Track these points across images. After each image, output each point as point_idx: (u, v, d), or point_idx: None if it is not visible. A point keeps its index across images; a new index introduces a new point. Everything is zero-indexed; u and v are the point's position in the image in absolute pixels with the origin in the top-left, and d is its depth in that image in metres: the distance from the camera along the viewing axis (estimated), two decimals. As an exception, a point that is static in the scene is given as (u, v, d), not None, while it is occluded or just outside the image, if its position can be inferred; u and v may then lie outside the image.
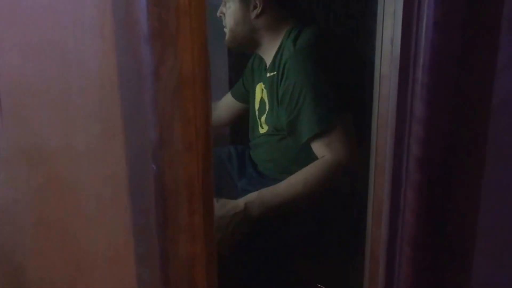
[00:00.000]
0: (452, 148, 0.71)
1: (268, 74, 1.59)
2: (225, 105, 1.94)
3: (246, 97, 1.83)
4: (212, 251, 0.76)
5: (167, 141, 0.67)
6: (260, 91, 1.67)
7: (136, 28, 0.64)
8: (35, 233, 0.75)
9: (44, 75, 0.66)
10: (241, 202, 1.38)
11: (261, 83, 1.66)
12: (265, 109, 1.61)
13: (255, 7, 1.51)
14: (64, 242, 0.76)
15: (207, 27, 0.72)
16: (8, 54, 0.66)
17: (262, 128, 1.65)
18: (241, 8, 1.52)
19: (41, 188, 0.71)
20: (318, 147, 1.43)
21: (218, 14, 1.58)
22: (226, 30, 1.57)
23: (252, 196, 1.39)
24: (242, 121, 1.87)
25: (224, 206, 1.37)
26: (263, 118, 1.64)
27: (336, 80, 1.45)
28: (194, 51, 0.67)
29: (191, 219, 0.72)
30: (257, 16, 1.52)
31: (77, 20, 0.65)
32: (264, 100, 1.63)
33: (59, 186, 0.71)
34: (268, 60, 1.61)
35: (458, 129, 0.70)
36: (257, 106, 1.68)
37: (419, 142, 0.72)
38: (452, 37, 0.67)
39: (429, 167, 0.72)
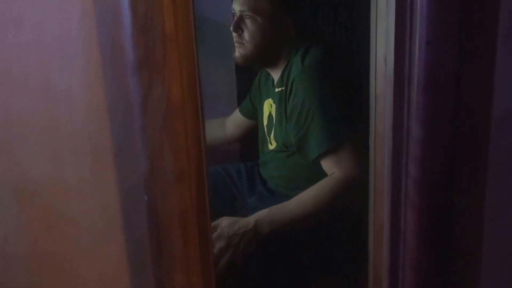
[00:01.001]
0: (451, 169, 0.69)
1: (276, 90, 1.58)
2: (233, 122, 1.94)
3: (254, 113, 1.83)
4: (210, 282, 0.74)
5: (158, 171, 0.66)
6: (268, 107, 1.66)
7: (123, 57, 0.63)
8: (28, 267, 0.74)
9: (31, 108, 0.65)
10: (251, 220, 1.37)
11: (270, 98, 1.65)
12: (273, 125, 1.61)
13: (286, 24, 1.50)
14: (57, 275, 0.74)
15: (196, 54, 0.71)
16: (-6, 87, 0.65)
17: (271, 144, 1.65)
18: (271, 23, 1.48)
19: (32, 222, 0.70)
20: (327, 164, 1.42)
21: (232, 29, 1.52)
22: (243, 45, 1.52)
23: (262, 213, 1.38)
24: (252, 138, 1.86)
25: (234, 224, 1.36)
26: (271, 135, 1.63)
27: (345, 97, 1.44)
28: (183, 79, 0.65)
29: (186, 250, 0.70)
30: (286, 33, 1.51)
31: (63, 52, 0.64)
32: (272, 116, 1.62)
33: (50, 219, 0.70)
34: (276, 76, 1.60)
35: (457, 149, 0.68)
36: (265, 122, 1.68)
37: (417, 163, 0.70)
38: (447, 56, 0.65)
39: (428, 189, 0.70)
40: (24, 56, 0.64)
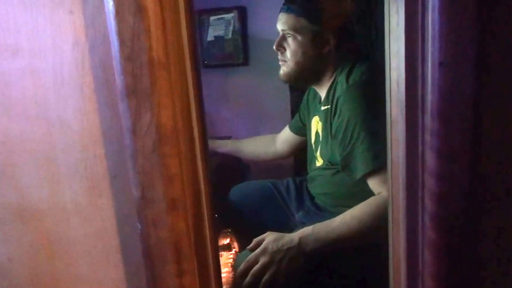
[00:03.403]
0: (471, 204, 0.60)
1: (322, 108, 1.57)
2: (283, 138, 1.95)
3: (303, 130, 1.82)
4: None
5: (150, 200, 0.64)
6: (315, 124, 1.65)
7: (114, 84, 0.62)
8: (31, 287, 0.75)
9: (30, 134, 0.66)
10: (295, 236, 1.35)
11: (316, 116, 1.64)
12: (320, 143, 1.60)
13: (327, 42, 1.49)
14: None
15: (195, 78, 0.68)
16: (-5, 115, 0.67)
17: (318, 161, 1.63)
18: (314, 42, 1.48)
19: (33, 245, 0.71)
20: (374, 184, 1.37)
21: (275, 47, 1.55)
22: (286, 64, 1.54)
23: (306, 230, 1.36)
24: (305, 153, 1.85)
25: (279, 240, 1.35)
26: (318, 152, 1.62)
27: None
28: (175, 106, 0.63)
29: (181, 280, 0.67)
30: (328, 51, 1.49)
31: (57, 79, 0.64)
32: (319, 133, 1.61)
33: (50, 243, 0.70)
34: (322, 93, 1.59)
35: (478, 184, 0.60)
36: (313, 139, 1.67)
37: (434, 197, 0.62)
38: (462, 77, 0.58)
39: (446, 226, 0.62)
40: (21, 83, 0.65)
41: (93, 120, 0.65)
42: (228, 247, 1.68)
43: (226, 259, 1.74)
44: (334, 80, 1.53)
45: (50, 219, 0.69)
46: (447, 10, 0.57)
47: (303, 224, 1.45)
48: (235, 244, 1.83)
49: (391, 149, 0.71)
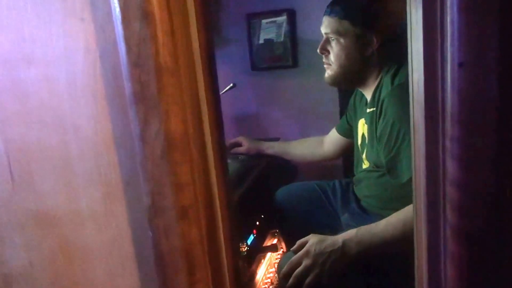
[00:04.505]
0: (495, 216, 0.55)
1: (368, 110, 1.56)
2: (330, 141, 1.96)
3: (350, 132, 1.82)
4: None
5: (160, 208, 0.63)
6: (362, 127, 1.64)
7: (124, 91, 0.62)
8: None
9: (46, 141, 0.67)
10: (338, 239, 1.35)
11: (362, 118, 1.63)
12: (366, 145, 1.59)
13: (369, 44, 1.48)
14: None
15: (211, 82, 0.67)
16: (13, 122, 0.68)
17: (364, 163, 1.62)
18: (355, 44, 1.49)
19: (52, 250, 0.72)
20: None
21: (319, 50, 1.56)
22: (330, 67, 1.56)
23: (350, 233, 1.35)
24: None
25: (322, 242, 1.35)
26: (363, 155, 1.61)
27: None
28: (185, 112, 0.62)
29: (193, 289, 0.66)
30: (371, 53, 1.49)
31: (70, 86, 0.65)
32: (365, 136, 1.60)
33: (68, 249, 0.71)
34: (368, 95, 1.58)
35: (502, 194, 0.55)
36: (359, 141, 1.66)
37: (455, 208, 0.58)
38: (484, 79, 0.53)
39: (469, 239, 0.57)
40: (37, 91, 0.66)
41: (106, 126, 0.65)
42: (274, 248, 1.68)
43: (274, 259, 1.74)
44: (380, 81, 1.51)
45: (67, 225, 0.70)
46: (467, 6, 0.53)
47: (348, 226, 1.45)
48: (283, 245, 1.83)
49: (414, 158, 0.67)
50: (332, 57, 1.53)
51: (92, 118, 0.65)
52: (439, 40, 0.56)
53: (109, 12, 0.61)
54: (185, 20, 0.62)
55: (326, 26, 1.52)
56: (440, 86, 0.57)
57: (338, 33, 1.49)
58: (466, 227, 0.58)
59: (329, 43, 1.53)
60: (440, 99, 0.58)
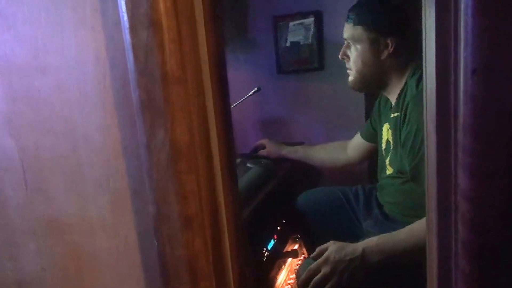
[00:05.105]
0: (508, 232, 0.53)
1: (392, 115, 1.53)
2: (354, 145, 1.92)
3: (374, 136, 1.78)
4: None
5: (165, 217, 0.63)
6: (386, 132, 1.61)
7: (132, 100, 0.62)
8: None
9: (58, 150, 0.69)
10: (359, 246, 1.32)
11: (387, 123, 1.60)
12: (390, 151, 1.55)
13: (386, 47, 1.47)
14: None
15: (221, 91, 0.66)
16: (27, 130, 0.70)
17: (388, 169, 1.59)
18: (371, 49, 1.48)
19: (63, 257, 0.73)
20: None
21: (340, 56, 1.57)
22: (351, 72, 1.56)
23: (371, 241, 1.32)
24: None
25: (342, 250, 1.32)
26: (387, 160, 1.58)
27: None
28: (192, 121, 0.62)
29: (198, 301, 0.66)
30: (387, 56, 1.48)
31: (81, 95, 0.66)
32: (389, 141, 1.57)
33: (78, 256, 0.72)
34: (393, 100, 1.55)
35: (517, 209, 0.52)
36: (383, 146, 1.63)
37: (467, 222, 0.55)
38: (498, 87, 0.51)
39: (480, 255, 0.55)
40: (49, 100, 0.67)
41: (115, 135, 0.65)
42: (295, 253, 1.66)
43: (294, 265, 1.72)
44: (405, 85, 1.48)
45: (77, 233, 0.71)
46: (481, 10, 0.50)
47: (370, 233, 1.43)
48: (304, 250, 1.80)
49: (427, 169, 0.64)
50: (351, 62, 1.53)
51: (101, 126, 0.66)
52: (452, 44, 0.54)
53: (118, 21, 0.61)
54: (193, 29, 0.62)
55: (344, 32, 1.53)
56: (452, 94, 0.55)
57: (354, 38, 1.49)
58: (477, 243, 0.55)
59: (349, 48, 1.53)
60: (452, 107, 0.55)
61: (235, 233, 0.69)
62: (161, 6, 0.57)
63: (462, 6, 0.52)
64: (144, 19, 0.58)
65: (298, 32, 2.19)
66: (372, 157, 1.85)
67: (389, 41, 1.45)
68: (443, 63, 0.55)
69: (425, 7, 0.62)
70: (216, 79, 0.66)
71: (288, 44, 2.20)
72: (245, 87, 2.03)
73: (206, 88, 0.64)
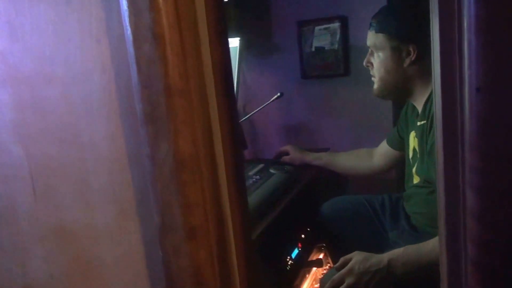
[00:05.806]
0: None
1: (418, 123, 1.50)
2: (381, 153, 1.88)
3: (401, 144, 1.74)
4: None
5: (169, 228, 0.63)
6: (413, 140, 1.58)
7: (135, 111, 0.62)
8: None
9: (65, 158, 0.70)
10: (384, 258, 1.30)
11: (414, 131, 1.57)
12: (417, 159, 1.52)
13: (408, 55, 1.45)
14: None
15: (228, 102, 0.66)
16: (35, 138, 0.71)
17: (415, 178, 1.55)
18: (393, 57, 1.47)
19: (70, 265, 0.74)
20: None
21: (364, 64, 1.56)
22: (375, 80, 1.54)
23: (397, 252, 1.30)
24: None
25: (367, 261, 1.30)
26: (414, 169, 1.54)
27: None
28: (195, 133, 0.62)
29: (203, 312, 0.65)
30: (410, 64, 1.46)
31: (87, 105, 0.66)
32: (416, 149, 1.54)
33: (85, 264, 0.73)
34: (420, 107, 1.52)
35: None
36: (410, 155, 1.59)
37: (475, 242, 0.53)
38: (502, 106, 0.49)
39: (490, 276, 0.53)
40: (56, 109, 0.68)
41: (120, 145, 0.66)
42: (320, 263, 1.63)
43: (319, 275, 1.70)
44: (431, 93, 1.44)
45: (83, 241, 0.72)
46: (484, 28, 0.49)
47: (396, 244, 1.40)
48: (329, 260, 1.78)
49: (437, 185, 0.62)
50: (374, 70, 1.52)
51: (107, 136, 0.67)
52: (458, 63, 0.52)
53: (123, 34, 0.61)
54: (197, 42, 0.62)
55: (368, 40, 1.52)
56: (459, 112, 0.53)
57: (376, 46, 1.48)
58: (486, 263, 0.53)
59: (373, 56, 1.52)
60: (459, 125, 0.53)
61: (244, 245, 0.69)
62: (164, 20, 0.57)
63: (465, 24, 0.50)
64: (147, 32, 0.59)
65: (323, 37, 2.16)
66: (399, 165, 1.80)
67: (411, 49, 1.43)
68: (449, 81, 0.54)
69: (432, 23, 0.60)
70: (222, 90, 0.66)
71: (313, 49, 2.17)
72: (269, 92, 2.02)
73: (211, 100, 0.64)
